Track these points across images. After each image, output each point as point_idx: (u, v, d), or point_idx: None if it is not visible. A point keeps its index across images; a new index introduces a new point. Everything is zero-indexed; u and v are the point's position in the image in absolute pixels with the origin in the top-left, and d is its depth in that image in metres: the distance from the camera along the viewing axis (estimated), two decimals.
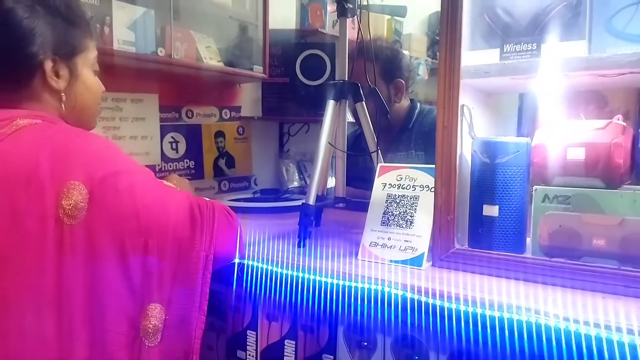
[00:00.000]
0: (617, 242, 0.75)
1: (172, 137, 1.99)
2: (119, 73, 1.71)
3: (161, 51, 1.74)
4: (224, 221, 0.91)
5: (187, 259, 0.85)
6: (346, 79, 1.15)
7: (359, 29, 1.13)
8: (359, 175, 1.37)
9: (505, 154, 0.85)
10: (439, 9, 0.88)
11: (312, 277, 0.88)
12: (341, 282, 0.85)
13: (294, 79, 2.15)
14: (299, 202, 1.16)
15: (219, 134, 2.17)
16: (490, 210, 0.86)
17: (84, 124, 0.97)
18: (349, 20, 2.05)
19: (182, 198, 0.87)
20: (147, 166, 1.90)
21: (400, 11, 1.19)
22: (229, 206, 1.55)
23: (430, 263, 0.90)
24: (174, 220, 0.84)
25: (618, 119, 0.79)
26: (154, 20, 1.76)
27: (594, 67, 0.78)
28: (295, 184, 2.34)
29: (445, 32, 0.87)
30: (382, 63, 1.67)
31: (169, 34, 1.77)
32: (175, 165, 2.00)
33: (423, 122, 1.74)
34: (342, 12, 1.11)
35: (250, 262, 0.96)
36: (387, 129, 1.75)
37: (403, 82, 1.70)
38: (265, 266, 0.94)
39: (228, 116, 2.19)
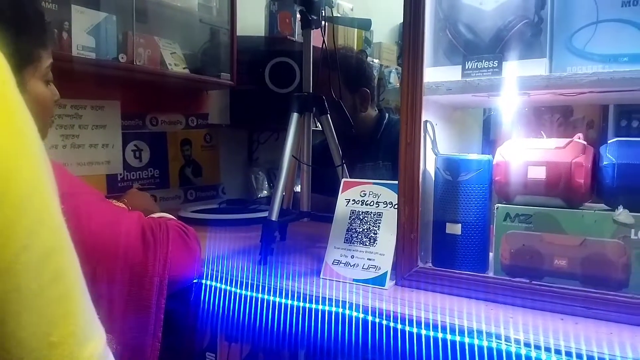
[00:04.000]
0: (579, 263, 0.75)
1: (135, 145, 1.93)
2: (79, 79, 1.65)
3: (122, 57, 1.69)
4: (179, 242, 0.88)
5: (140, 285, 0.81)
6: (310, 90, 1.13)
7: (323, 39, 1.10)
8: (329, 184, 1.35)
9: (468, 172, 0.84)
10: None
11: (272, 298, 0.85)
12: (302, 304, 0.83)
13: (263, 87, 2.11)
14: (265, 214, 1.13)
15: (185, 141, 2.12)
16: (453, 229, 0.85)
17: None
18: (316, 31, 2.04)
19: (132, 220, 0.83)
20: (108, 176, 1.85)
21: (364, 24, 1.18)
22: (191, 218, 1.53)
23: (394, 282, 0.88)
24: (124, 245, 0.80)
25: (579, 138, 0.79)
26: (116, 25, 1.71)
27: (555, 86, 0.77)
28: (265, 192, 2.30)
29: (407, 48, 0.86)
30: (346, 72, 1.65)
31: (131, 39, 1.72)
32: (139, 174, 1.94)
33: (391, 132, 1.73)
34: (306, 23, 1.09)
35: (209, 282, 0.93)
36: (354, 139, 1.74)
37: (368, 91, 1.69)
38: (223, 286, 0.91)
39: (195, 123, 2.14)
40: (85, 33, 1.62)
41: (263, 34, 2.22)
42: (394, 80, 2.98)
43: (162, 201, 2.01)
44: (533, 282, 0.76)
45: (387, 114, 1.80)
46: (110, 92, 1.84)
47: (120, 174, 1.88)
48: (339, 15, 2.16)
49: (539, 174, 0.78)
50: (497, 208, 0.82)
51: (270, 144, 2.35)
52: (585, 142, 0.78)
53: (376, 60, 2.67)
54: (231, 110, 2.21)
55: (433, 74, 0.88)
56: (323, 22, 1.10)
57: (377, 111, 1.82)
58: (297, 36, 2.18)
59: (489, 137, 1.14)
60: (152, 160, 1.98)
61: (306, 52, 1.12)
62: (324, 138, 1.78)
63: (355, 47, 2.57)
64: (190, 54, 2.00)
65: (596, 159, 0.77)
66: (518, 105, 0.87)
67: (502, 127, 0.89)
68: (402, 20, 0.89)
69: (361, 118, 1.75)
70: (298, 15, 2.14)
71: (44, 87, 0.90)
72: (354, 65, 1.73)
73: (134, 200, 1.15)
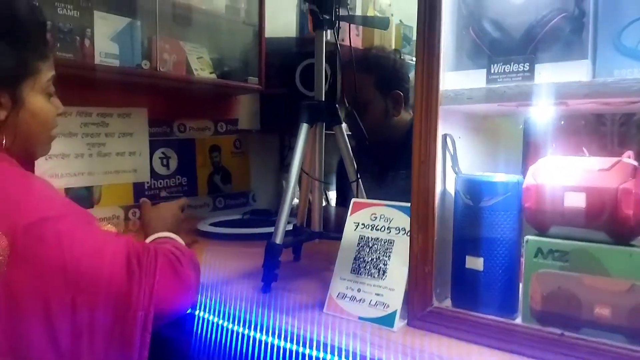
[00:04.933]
0: (625, 313, 0.61)
1: (162, 153, 1.90)
2: (104, 87, 1.63)
3: (145, 64, 1.65)
4: (168, 271, 0.80)
5: (123, 319, 0.74)
6: (323, 98, 1.02)
7: (336, 41, 1.00)
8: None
9: (492, 196, 0.71)
10: None
11: (265, 338, 0.76)
12: (300, 349, 0.73)
13: (293, 90, 2.02)
14: (289, 227, 1.04)
15: (214, 148, 2.07)
16: (474, 263, 0.72)
17: (30, 154, 0.87)
18: (353, 26, 1.90)
19: (119, 247, 0.76)
20: (135, 184, 1.83)
21: (382, 23, 1.06)
22: (209, 232, 1.46)
23: (405, 322, 0.76)
24: (107, 275, 0.73)
25: (629, 157, 0.64)
26: (140, 31, 1.67)
27: (599, 94, 0.63)
28: (297, 200, 2.22)
29: (421, 49, 0.74)
30: (377, 74, 1.53)
31: (155, 45, 1.68)
32: (166, 182, 1.91)
33: None
34: (318, 24, 0.99)
35: (201, 314, 0.85)
36: (386, 144, 1.62)
37: (401, 94, 1.56)
38: (216, 320, 0.83)
39: (224, 129, 2.09)
40: (108, 39, 1.60)
41: (294, 35, 2.13)
42: None
43: (190, 209, 1.97)
44: (567, 334, 0.63)
45: None
46: (137, 99, 1.81)
47: (148, 183, 1.85)
48: (358, 14, 2.04)
49: (577, 201, 0.64)
50: (526, 241, 0.69)
51: None
52: (636, 163, 0.63)
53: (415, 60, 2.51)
54: (262, 114, 2.14)
55: (455, 79, 0.76)
56: (337, 22, 0.99)
57: (412, 114, 1.68)
58: (330, 35, 2.07)
59: (530, 156, 0.99)
60: (180, 168, 1.94)
61: (318, 55, 1.01)
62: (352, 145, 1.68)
63: (393, 46, 2.44)
64: (218, 57, 1.95)
65: None
66: (553, 117, 0.73)
67: (533, 142, 0.74)
68: None
69: (394, 122, 1.63)
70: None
71: (44, 101, 0.85)
72: (385, 66, 1.61)
73: (159, 212, 1.09)
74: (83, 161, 1.68)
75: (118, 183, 1.77)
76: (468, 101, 0.72)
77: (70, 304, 0.70)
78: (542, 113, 0.73)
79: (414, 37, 2.72)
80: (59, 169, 1.62)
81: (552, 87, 0.65)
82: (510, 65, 0.70)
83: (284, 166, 2.28)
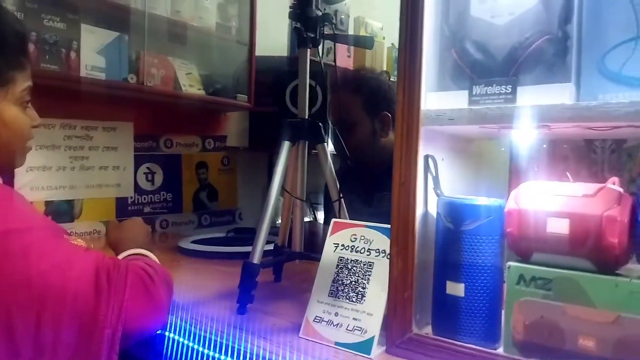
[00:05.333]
0: (611, 345, 0.58)
1: (147, 168, 1.87)
2: (90, 100, 1.61)
3: (132, 78, 1.64)
4: (139, 288, 0.77)
5: (89, 337, 0.71)
6: (306, 116, 1.01)
7: (321, 62, 0.99)
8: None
9: (474, 219, 0.69)
10: None
11: None
12: None
13: (283, 109, 2.01)
14: (270, 246, 1.01)
15: (201, 164, 2.05)
16: (455, 289, 0.70)
17: (2, 166, 0.84)
18: (342, 47, 1.90)
19: (88, 262, 0.74)
20: (118, 199, 1.79)
21: (366, 42, 1.05)
22: (190, 250, 1.43)
23: (383, 349, 0.73)
24: (73, 290, 0.70)
25: (613, 183, 0.63)
26: (128, 45, 1.66)
27: (582, 118, 0.62)
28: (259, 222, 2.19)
29: (402, 68, 0.72)
30: (365, 95, 1.53)
31: (143, 59, 1.67)
32: (150, 197, 1.88)
33: None
34: (302, 42, 0.98)
35: (172, 335, 0.81)
36: (373, 165, 1.60)
37: (389, 115, 1.55)
38: (186, 342, 0.79)
39: (212, 146, 2.07)
40: (94, 52, 1.58)
41: (285, 54, 2.13)
42: None
43: (174, 226, 1.94)
44: None
45: None
46: (123, 112, 1.79)
47: (131, 198, 1.82)
48: (343, 32, 2.04)
49: (560, 227, 0.62)
50: (508, 267, 0.66)
51: None
52: (621, 189, 0.62)
53: None
54: (250, 132, 2.12)
55: (437, 100, 0.74)
56: (322, 40, 0.98)
57: None
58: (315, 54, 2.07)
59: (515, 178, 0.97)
60: (165, 184, 1.91)
61: (301, 73, 1.00)
62: (340, 165, 1.66)
63: (385, 68, 2.44)
64: (207, 74, 1.94)
65: (635, 211, 0.60)
66: (535, 140, 0.72)
67: (515, 166, 0.73)
68: None
69: (381, 144, 1.61)
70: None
71: (18, 111, 0.82)
72: (374, 87, 1.60)
73: (127, 230, 1.05)
74: (65, 174, 1.64)
75: (100, 197, 1.73)
76: (449, 122, 0.70)
77: (34, 319, 0.67)
78: (524, 136, 0.71)
79: None
80: (40, 181, 1.58)
81: (534, 109, 0.64)
82: (492, 86, 0.69)
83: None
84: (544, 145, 0.72)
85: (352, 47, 2.19)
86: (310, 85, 1.99)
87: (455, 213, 0.70)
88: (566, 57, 0.65)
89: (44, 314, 0.68)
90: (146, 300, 0.78)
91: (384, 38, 2.39)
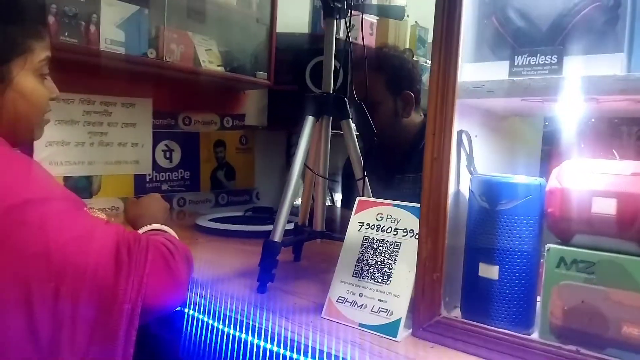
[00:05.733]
0: None
1: (165, 145, 1.85)
2: (108, 75, 1.59)
3: (152, 52, 1.61)
4: (160, 264, 0.75)
5: (108, 312, 0.69)
6: (331, 91, 0.97)
7: (347, 33, 0.94)
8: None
9: (511, 199, 0.65)
10: None
11: (257, 342, 0.70)
12: (294, 356, 0.67)
13: (303, 87, 1.96)
14: (290, 226, 0.98)
15: (219, 143, 2.02)
16: (488, 271, 0.66)
17: (20, 137, 0.83)
18: (367, 24, 1.84)
19: (108, 235, 0.72)
20: (136, 176, 1.78)
21: (396, 12, 1.00)
22: (208, 227, 1.41)
23: (410, 332, 0.70)
24: (93, 264, 0.69)
25: None
26: (148, 19, 1.63)
27: (634, 91, 0.57)
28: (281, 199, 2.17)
29: (439, 37, 0.68)
30: (388, 73, 1.48)
31: (162, 34, 1.64)
32: (168, 175, 1.87)
33: None
34: (329, 11, 0.93)
35: (191, 312, 0.79)
36: (394, 146, 1.56)
37: (412, 94, 1.50)
38: (206, 319, 0.77)
39: (230, 124, 2.04)
40: (114, 26, 1.55)
41: (306, 31, 2.08)
42: None
43: (192, 204, 1.93)
44: (584, 351, 0.56)
45: None
46: (142, 89, 1.77)
47: (149, 175, 1.81)
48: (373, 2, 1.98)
49: (607, 208, 0.58)
50: (548, 250, 0.62)
51: None
52: None
53: (429, 62, 2.45)
54: (269, 111, 2.09)
55: (474, 71, 0.70)
56: (349, 11, 0.94)
57: (422, 116, 1.62)
58: (342, 34, 2.02)
59: (552, 158, 0.93)
60: (183, 162, 1.90)
61: (328, 45, 0.96)
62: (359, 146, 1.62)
63: (408, 46, 2.38)
64: (228, 51, 1.90)
65: None
66: (583, 115, 0.67)
67: (559, 142, 0.68)
68: None
69: (404, 124, 1.57)
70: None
71: (36, 82, 0.80)
72: (397, 65, 1.55)
73: (145, 206, 1.03)
74: (84, 150, 1.63)
75: (119, 174, 1.72)
76: (488, 94, 0.66)
77: (52, 292, 0.66)
78: (568, 110, 0.67)
79: (429, 40, 2.67)
80: (58, 156, 1.58)
81: (583, 81, 0.59)
82: (537, 57, 0.64)
83: (290, 164, 2.23)
84: (592, 120, 0.68)
85: (374, 25, 2.13)
86: None
87: (491, 192, 0.66)
88: (617, 25, 0.60)
89: (62, 287, 0.66)
90: (166, 276, 0.76)
91: (408, 15, 2.32)
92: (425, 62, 2.33)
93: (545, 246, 0.63)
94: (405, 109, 1.54)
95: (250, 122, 2.08)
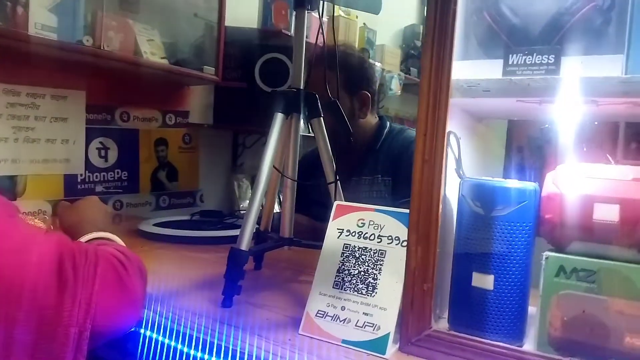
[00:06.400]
0: None
1: (100, 143, 1.69)
2: (38, 64, 1.42)
3: (88, 40, 1.46)
4: (111, 279, 0.65)
5: (51, 337, 0.59)
6: (301, 87, 0.90)
7: (320, 24, 0.88)
8: (319, 204, 1.11)
9: (507, 204, 0.62)
10: (414, 22, 0.64)
11: None
12: None
13: (252, 84, 1.88)
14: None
15: (161, 141, 1.88)
16: (483, 281, 0.62)
17: None
18: (315, 23, 1.78)
19: (49, 247, 0.61)
20: (66, 176, 1.61)
21: (373, 5, 0.95)
22: (153, 233, 1.29)
23: (397, 347, 0.65)
24: (32, 281, 0.58)
25: None
26: (83, 4, 1.47)
27: (634, 93, 0.55)
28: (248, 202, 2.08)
29: (431, 30, 0.63)
30: (345, 72, 1.43)
31: (100, 21, 1.49)
32: (103, 175, 1.71)
33: (392, 144, 1.51)
34: (300, 2, 0.87)
35: (147, 333, 0.69)
36: (349, 148, 1.51)
37: (369, 95, 1.47)
38: (166, 340, 0.68)
39: (173, 122, 1.91)
40: (46, 10, 1.39)
41: (256, 26, 2.00)
42: (395, 87, 2.76)
43: (129, 207, 1.78)
44: None
45: (388, 122, 1.58)
46: (75, 80, 1.60)
47: (81, 175, 1.64)
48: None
49: (610, 214, 0.56)
50: (546, 258, 0.60)
51: (257, 149, 2.12)
52: None
53: (378, 64, 2.45)
54: (215, 108, 1.98)
55: (462, 69, 0.66)
56: (321, 2, 0.88)
57: (377, 118, 1.60)
58: (293, 30, 1.96)
59: (512, 161, 0.92)
60: (120, 161, 1.74)
61: (298, 38, 0.89)
62: (315, 147, 1.56)
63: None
64: (171, 42, 1.77)
65: None
66: (580, 118, 0.65)
67: (553, 146, 0.66)
68: (406, 24, 0.66)
69: (360, 124, 1.53)
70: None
71: None
72: (354, 64, 1.51)
73: (83, 211, 0.91)
74: (7, 146, 1.45)
75: (47, 174, 1.55)
76: (484, 94, 0.63)
77: None
78: (565, 114, 0.65)
79: (377, 42, 2.66)
80: None
81: (584, 82, 0.57)
82: (533, 56, 0.62)
83: (237, 166, 2.13)
84: (595, 123, 0.66)
85: (325, 24, 2.08)
86: (280, 59, 1.89)
87: (485, 197, 0.63)
88: (617, 26, 0.58)
89: None
90: (119, 293, 0.66)
91: (357, 17, 2.29)
92: (375, 64, 2.32)
93: (543, 254, 0.60)
94: (362, 110, 1.50)
95: (195, 119, 1.96)
